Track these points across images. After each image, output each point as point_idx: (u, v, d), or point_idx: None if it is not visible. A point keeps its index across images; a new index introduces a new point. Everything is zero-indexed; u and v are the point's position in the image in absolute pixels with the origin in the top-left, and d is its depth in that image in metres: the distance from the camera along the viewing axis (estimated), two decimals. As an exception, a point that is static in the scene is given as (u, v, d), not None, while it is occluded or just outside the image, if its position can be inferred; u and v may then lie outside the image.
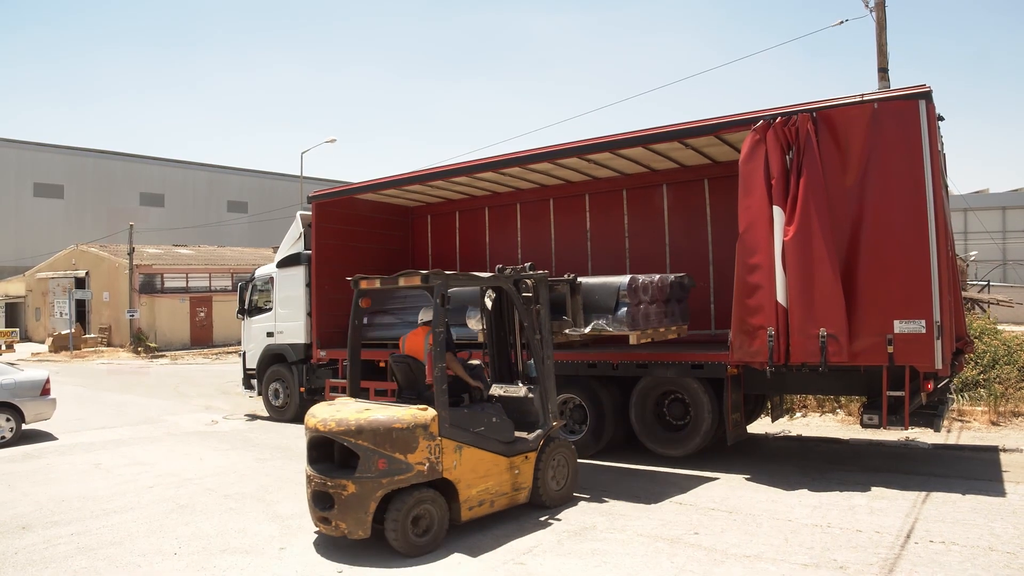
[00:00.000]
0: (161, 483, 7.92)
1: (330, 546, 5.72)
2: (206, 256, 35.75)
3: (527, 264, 7.30)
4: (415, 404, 5.85)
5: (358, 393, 6.58)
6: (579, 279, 7.59)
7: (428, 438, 5.60)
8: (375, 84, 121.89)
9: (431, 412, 5.69)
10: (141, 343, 29.95)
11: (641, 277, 8.06)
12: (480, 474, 5.95)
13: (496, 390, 6.92)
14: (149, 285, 31.73)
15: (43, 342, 33.14)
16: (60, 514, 6.78)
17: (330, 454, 5.80)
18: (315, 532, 5.95)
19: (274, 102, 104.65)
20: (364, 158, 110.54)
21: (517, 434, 6.42)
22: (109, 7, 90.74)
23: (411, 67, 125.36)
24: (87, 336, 32.06)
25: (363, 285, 6.54)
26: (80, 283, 33.96)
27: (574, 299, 7.54)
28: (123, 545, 5.85)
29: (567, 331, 7.52)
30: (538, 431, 6.56)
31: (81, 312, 33.56)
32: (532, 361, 6.98)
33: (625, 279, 7.85)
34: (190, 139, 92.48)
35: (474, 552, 5.52)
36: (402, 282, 6.19)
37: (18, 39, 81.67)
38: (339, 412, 5.71)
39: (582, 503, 6.74)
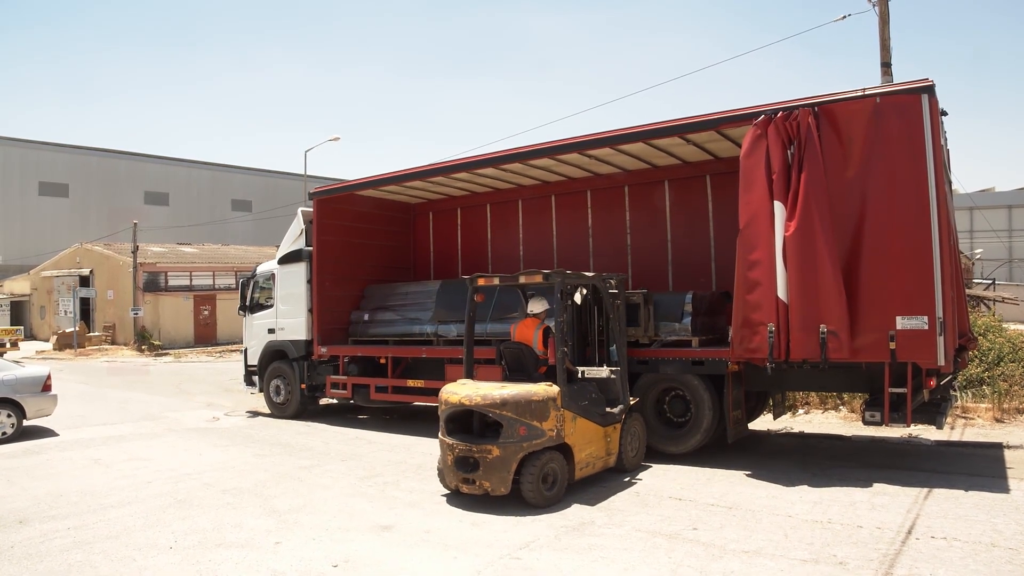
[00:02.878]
0: (159, 478, 7.91)
1: (326, 540, 5.69)
2: (210, 254, 35.82)
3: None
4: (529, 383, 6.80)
5: (472, 376, 7.57)
6: (651, 296, 8.68)
7: (555, 408, 6.60)
8: (378, 83, 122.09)
9: (556, 387, 6.69)
10: (145, 341, 30.01)
11: (699, 292, 9.03)
12: (587, 440, 6.97)
13: (581, 373, 7.52)
14: (153, 283, 31.80)
15: (48, 340, 33.24)
16: (58, 508, 6.77)
17: (466, 426, 6.76)
18: (443, 496, 6.83)
19: (278, 101, 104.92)
20: (367, 157, 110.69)
21: (606, 408, 7.37)
22: (114, 6, 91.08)
23: (414, 66, 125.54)
24: (91, 334, 32.14)
25: (481, 283, 7.54)
26: (84, 281, 34.06)
27: (647, 309, 8.58)
28: (119, 539, 5.83)
29: (640, 338, 8.52)
30: (620, 406, 7.48)
31: (85, 310, 33.65)
32: (614, 347, 7.85)
33: (689, 293, 8.84)
34: (194, 138, 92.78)
35: (469, 547, 5.48)
36: (523, 280, 7.33)
37: (23, 38, 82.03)
38: (479, 389, 6.71)
39: (582, 499, 6.70)
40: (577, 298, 8.15)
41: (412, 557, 5.32)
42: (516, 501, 6.46)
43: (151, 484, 7.66)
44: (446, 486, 6.82)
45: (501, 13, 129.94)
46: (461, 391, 6.76)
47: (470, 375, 7.58)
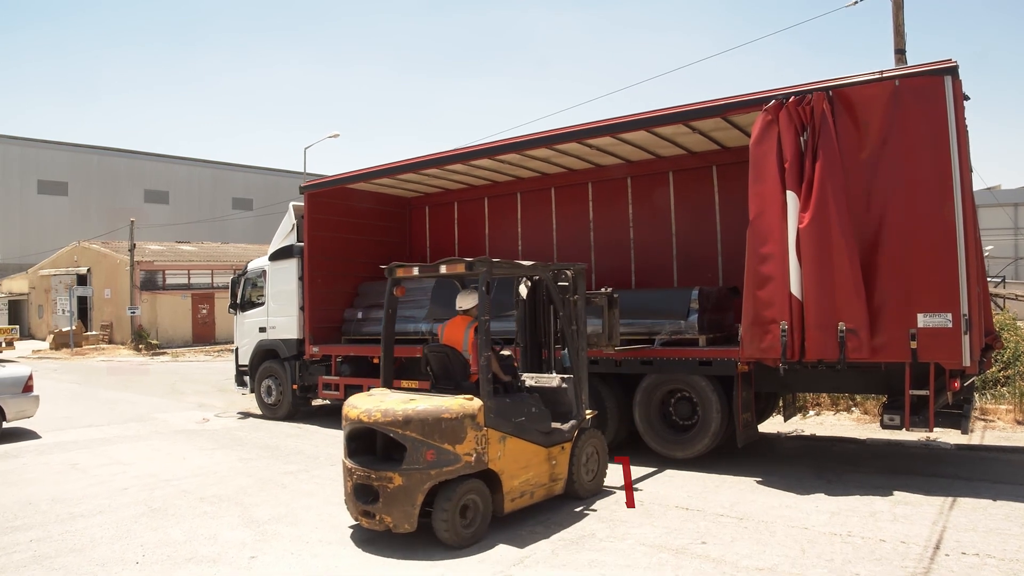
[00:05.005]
0: (137, 484, 7.50)
1: (304, 555, 5.27)
2: (208, 252, 35.47)
3: None
4: (454, 395, 5.71)
5: (391, 385, 6.46)
6: (616, 294, 7.54)
7: (475, 428, 5.48)
8: (378, 81, 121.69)
9: (477, 402, 5.56)
10: (142, 340, 29.66)
11: (706, 288, 8.44)
12: (522, 464, 5.87)
13: (528, 381, 6.77)
14: (151, 282, 31.45)
15: (45, 339, 32.92)
16: (24, 518, 6.36)
17: (371, 446, 5.67)
18: (349, 528, 5.78)
19: (279, 99, 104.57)
20: (368, 155, 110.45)
21: (552, 425, 6.31)
22: (114, 5, 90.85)
23: (414, 64, 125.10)
24: (88, 333, 31.83)
25: (399, 273, 6.38)
26: (82, 280, 33.75)
27: (611, 313, 7.51)
28: (83, 553, 5.42)
29: (603, 346, 7.57)
30: (572, 421, 6.45)
31: (83, 309, 33.34)
32: (566, 351, 6.91)
33: (695, 289, 8.24)
34: (194, 136, 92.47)
35: (459, 563, 5.06)
36: (444, 270, 6.10)
37: (22, 36, 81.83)
38: (383, 402, 5.55)
39: (582, 508, 6.27)
40: (523, 291, 7.31)
41: (398, 574, 4.90)
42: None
43: (127, 491, 7.25)
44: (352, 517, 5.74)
45: (499, 11, 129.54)
46: (362, 404, 5.65)
47: (388, 384, 6.44)
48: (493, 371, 6.03)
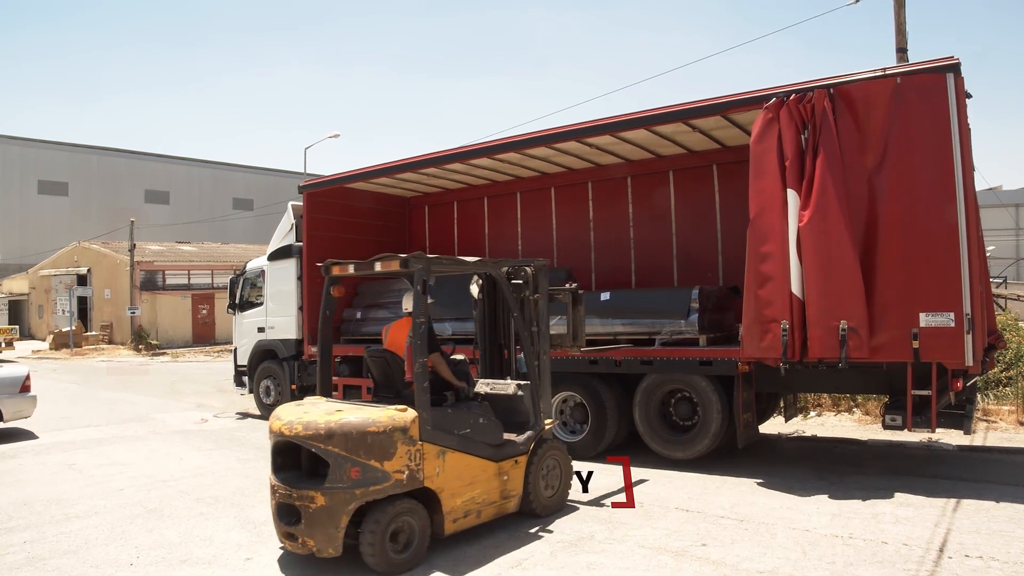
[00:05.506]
0: (133, 485, 7.45)
1: (300, 558, 5.22)
2: (208, 253, 35.44)
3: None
4: (393, 404, 5.22)
5: (329, 393, 5.98)
6: (581, 290, 7.03)
7: (407, 443, 4.95)
8: (378, 81, 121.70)
9: (411, 413, 5.04)
10: (142, 340, 29.64)
11: (706, 287, 8.29)
12: (466, 481, 5.34)
13: (482, 387, 6.30)
14: (151, 282, 31.43)
15: (45, 340, 32.90)
16: (18, 519, 6.31)
17: (298, 461, 5.16)
18: (280, 548, 5.36)
19: (279, 99, 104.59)
20: (368, 155, 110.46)
21: (506, 436, 5.81)
22: (114, 4, 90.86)
23: (414, 64, 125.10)
24: (88, 333, 31.80)
25: (335, 271, 5.92)
26: (82, 280, 33.73)
27: (576, 311, 6.97)
28: (77, 555, 5.37)
29: (567, 347, 7.06)
30: (528, 433, 5.94)
31: (83, 310, 33.32)
32: (522, 355, 6.43)
33: (695, 289, 8.10)
34: (195, 136, 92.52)
35: (458, 567, 5.00)
36: (379, 267, 5.57)
37: (22, 37, 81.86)
38: (307, 414, 5.05)
39: (581, 509, 6.21)
40: (474, 290, 6.92)
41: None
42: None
43: (123, 492, 7.20)
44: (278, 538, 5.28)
45: (499, 11, 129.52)
46: (285, 416, 5.17)
47: (325, 392, 5.96)
48: (444, 377, 5.71)
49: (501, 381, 6.37)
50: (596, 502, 6.42)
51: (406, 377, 5.64)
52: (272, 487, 5.10)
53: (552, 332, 6.69)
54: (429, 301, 5.46)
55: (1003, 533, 5.28)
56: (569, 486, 6.31)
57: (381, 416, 4.94)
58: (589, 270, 10.95)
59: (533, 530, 5.62)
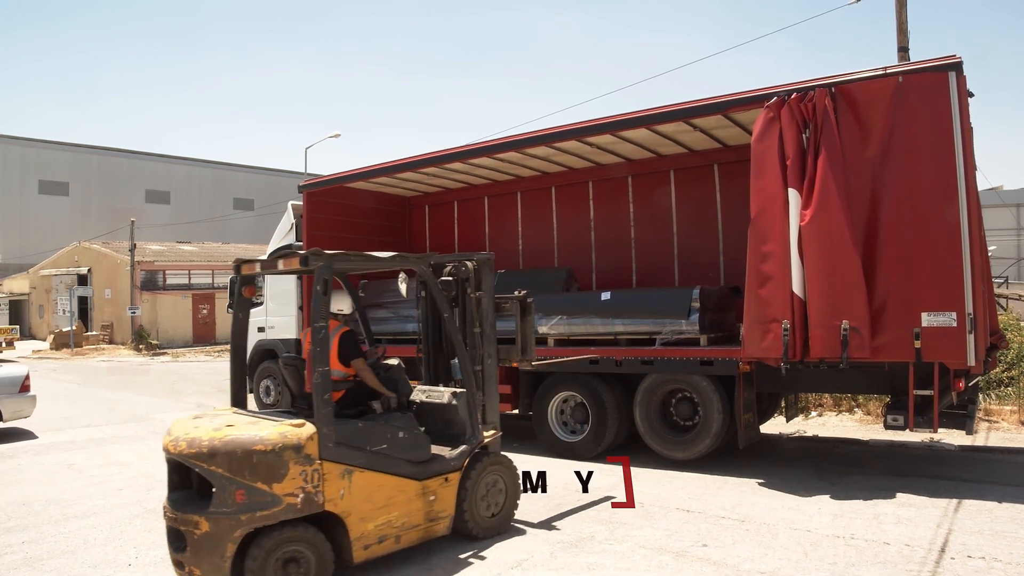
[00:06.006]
0: (132, 485, 7.43)
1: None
2: (209, 253, 35.43)
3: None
4: (307, 416, 4.79)
5: (242, 403, 5.52)
6: (530, 299, 6.31)
7: (303, 462, 4.45)
8: (378, 81, 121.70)
9: (308, 429, 4.53)
10: (143, 340, 29.63)
11: (707, 287, 8.20)
12: (379, 504, 4.81)
13: (419, 395, 5.79)
14: (151, 282, 31.42)
15: (46, 339, 32.90)
16: (17, 519, 6.30)
17: (190, 480, 4.67)
18: None
19: (280, 99, 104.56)
20: (368, 155, 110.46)
21: (438, 450, 5.32)
22: (114, 4, 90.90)
23: (414, 64, 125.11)
24: (88, 333, 31.79)
25: (244, 270, 5.46)
26: (83, 280, 33.72)
27: (524, 322, 6.24)
28: (75, 555, 5.35)
29: (516, 360, 6.39)
30: (463, 447, 5.39)
31: (84, 309, 33.31)
32: (456, 360, 5.87)
33: (696, 288, 7.99)
34: (196, 136, 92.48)
35: (454, 565, 4.98)
36: (281, 266, 5.13)
37: (23, 36, 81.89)
38: (196, 429, 4.58)
39: (582, 509, 6.19)
40: (402, 288, 6.49)
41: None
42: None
43: (122, 492, 7.18)
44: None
45: (499, 11, 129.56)
46: (176, 430, 4.71)
47: (238, 403, 5.50)
48: (370, 383, 5.32)
49: (438, 388, 5.86)
50: (596, 502, 6.39)
51: (305, 388, 5.24)
52: (164, 507, 4.63)
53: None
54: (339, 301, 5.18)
55: (1005, 534, 5.26)
56: (516, 505, 5.78)
57: (271, 433, 4.45)
58: (590, 269, 10.93)
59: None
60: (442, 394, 5.67)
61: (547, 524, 5.82)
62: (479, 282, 6.00)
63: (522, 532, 5.60)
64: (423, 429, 5.37)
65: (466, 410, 5.54)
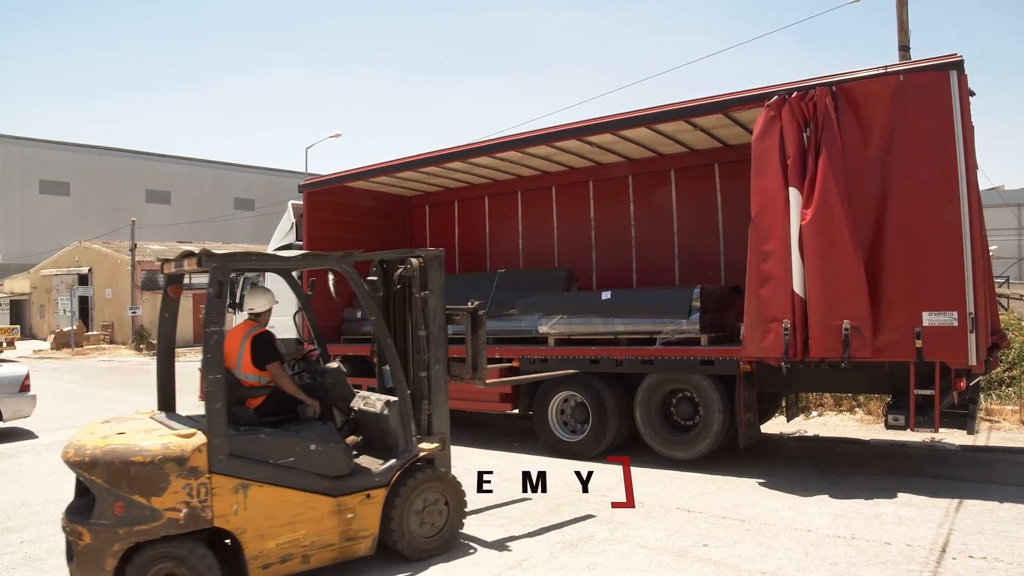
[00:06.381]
0: (132, 485, 7.42)
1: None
2: (210, 253, 35.40)
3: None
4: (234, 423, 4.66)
5: (170, 406, 5.20)
6: (482, 311, 5.82)
7: (187, 475, 4.22)
8: (379, 81, 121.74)
9: (196, 440, 4.29)
10: (143, 340, 29.64)
11: (708, 286, 8.17)
12: (282, 521, 4.52)
13: (358, 402, 5.47)
14: (152, 282, 31.42)
15: (47, 339, 32.93)
16: (16, 519, 6.29)
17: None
18: None
19: (280, 99, 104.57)
20: (369, 154, 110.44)
21: (372, 463, 5.01)
22: (114, 4, 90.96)
23: (414, 64, 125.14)
24: (89, 333, 31.81)
25: (166, 270, 5.22)
26: (83, 280, 33.75)
27: (475, 337, 5.75)
28: (75, 555, 5.34)
29: (467, 378, 5.86)
30: (392, 461, 4.98)
31: (84, 309, 33.34)
32: (388, 367, 5.38)
33: (696, 288, 7.96)
34: (196, 136, 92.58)
35: (452, 565, 4.97)
36: (185, 265, 4.88)
37: (23, 36, 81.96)
38: (90, 435, 4.40)
39: (582, 510, 6.18)
40: (333, 291, 6.19)
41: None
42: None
43: (122, 492, 7.16)
44: None
45: (499, 11, 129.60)
46: (76, 435, 4.50)
47: (166, 406, 5.19)
48: (288, 390, 5.04)
49: (376, 396, 5.42)
50: (596, 502, 6.38)
51: (198, 397, 5.09)
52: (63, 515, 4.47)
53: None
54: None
55: (1007, 534, 5.24)
56: (460, 524, 5.34)
57: (153, 444, 4.23)
58: (590, 269, 10.91)
59: (532, 530, 5.48)
60: (375, 403, 5.30)
61: (547, 523, 5.80)
62: (425, 281, 5.53)
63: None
64: (359, 439, 5.19)
65: (398, 421, 5.09)
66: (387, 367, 5.45)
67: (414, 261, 5.57)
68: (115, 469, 4.13)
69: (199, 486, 4.26)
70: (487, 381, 5.97)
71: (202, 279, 24.42)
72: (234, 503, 4.37)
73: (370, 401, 5.35)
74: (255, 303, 5.33)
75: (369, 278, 5.89)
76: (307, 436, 4.73)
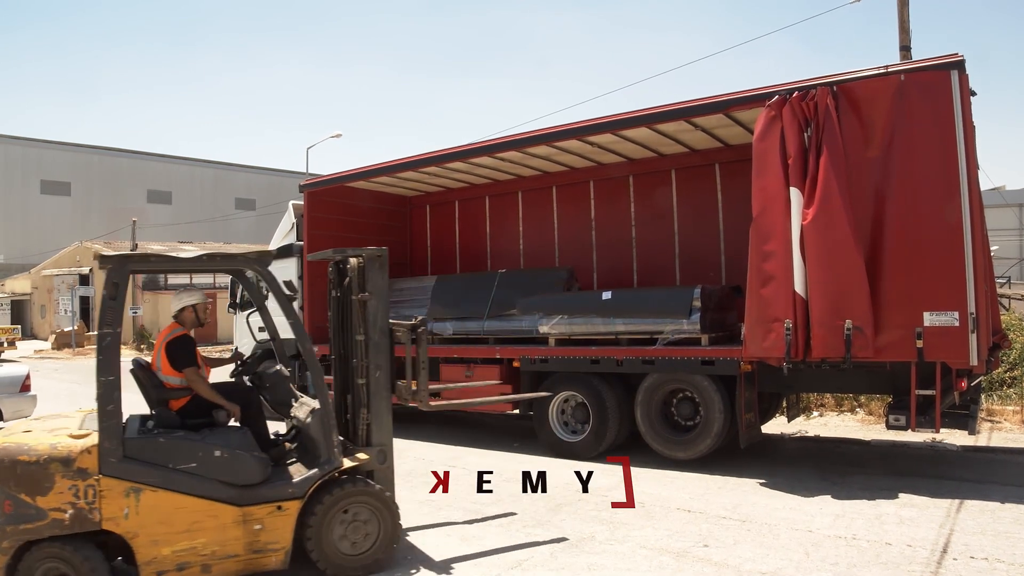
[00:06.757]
0: (132, 485, 7.41)
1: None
2: (210, 253, 35.43)
3: None
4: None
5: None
6: (422, 328, 5.42)
7: (74, 476, 4.22)
8: (379, 81, 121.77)
9: (86, 441, 4.28)
10: (144, 340, 29.65)
11: (708, 287, 8.15)
12: (178, 528, 4.40)
13: (296, 409, 5.31)
14: (152, 282, 31.47)
15: (48, 339, 32.95)
16: None
17: None
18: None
19: (281, 100, 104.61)
20: (369, 155, 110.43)
21: (296, 472, 4.81)
22: (114, 4, 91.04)
23: (415, 65, 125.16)
24: (90, 333, 31.77)
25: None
26: (84, 280, 33.75)
27: (416, 356, 5.37)
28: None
29: (408, 400, 5.52)
30: (312, 471, 4.74)
31: (85, 309, 33.34)
32: (310, 372, 5.05)
33: (697, 288, 7.93)
34: (197, 136, 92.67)
35: (454, 566, 4.96)
36: (99, 265, 4.81)
37: (23, 37, 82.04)
38: (5, 432, 4.52)
39: (582, 510, 6.17)
40: (280, 287, 6.08)
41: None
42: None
43: (122, 492, 7.16)
44: None
45: (499, 11, 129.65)
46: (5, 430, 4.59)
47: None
48: (204, 394, 4.93)
49: (306, 403, 5.18)
50: (597, 502, 6.37)
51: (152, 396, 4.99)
52: None
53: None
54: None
55: (1008, 534, 5.23)
56: (392, 545, 4.95)
57: (40, 444, 4.28)
58: (591, 269, 10.91)
59: (533, 530, 5.47)
60: (300, 408, 5.13)
61: (548, 523, 5.80)
62: (364, 282, 5.22)
63: (523, 533, 5.49)
64: (293, 447, 5.06)
65: (319, 430, 4.81)
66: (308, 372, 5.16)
67: (353, 261, 5.29)
68: (4, 467, 4.20)
69: (87, 488, 4.25)
70: (431, 404, 5.57)
71: (203, 279, 24.42)
72: (125, 507, 4.32)
73: (303, 409, 5.14)
74: (176, 303, 5.24)
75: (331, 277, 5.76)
76: (213, 442, 4.58)
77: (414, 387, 5.41)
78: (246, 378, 5.63)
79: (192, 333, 5.22)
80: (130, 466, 4.34)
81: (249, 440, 4.75)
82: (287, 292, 5.08)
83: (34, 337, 36.55)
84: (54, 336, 31.03)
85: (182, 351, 4.98)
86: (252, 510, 4.56)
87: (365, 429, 5.13)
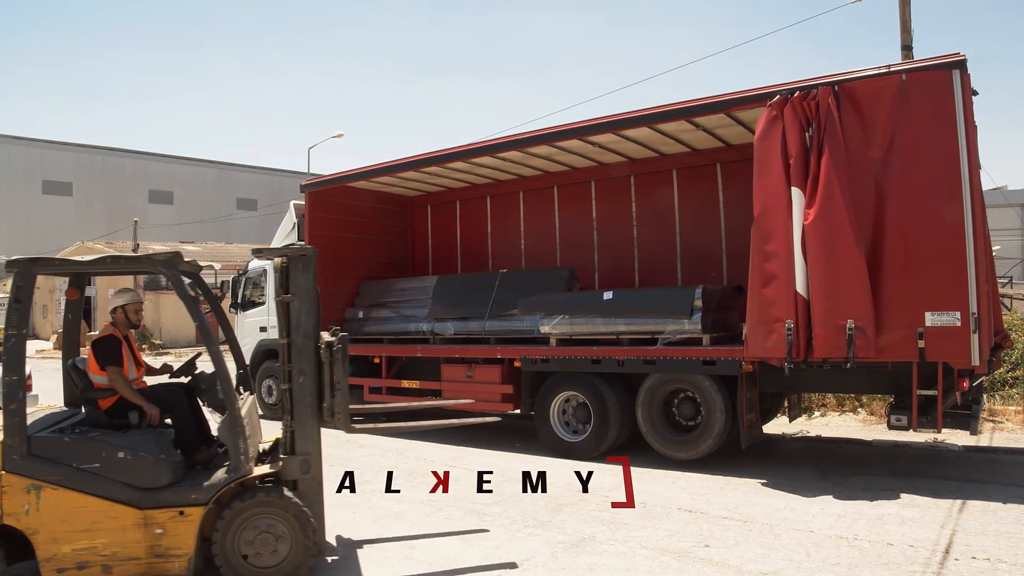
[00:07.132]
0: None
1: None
2: (212, 253, 35.45)
3: None
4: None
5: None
6: (340, 344, 4.98)
7: None
8: (381, 82, 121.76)
9: None
10: (146, 340, 29.66)
11: (710, 286, 8.16)
12: (79, 527, 4.42)
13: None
14: (154, 282, 31.40)
15: (49, 339, 32.99)
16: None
17: None
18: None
19: (283, 100, 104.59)
20: (371, 155, 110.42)
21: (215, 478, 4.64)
22: (118, 5, 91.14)
23: (416, 65, 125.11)
24: (91, 333, 31.81)
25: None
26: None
27: (332, 373, 4.96)
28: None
29: (329, 422, 5.03)
30: (219, 476, 4.58)
31: (87, 309, 33.36)
32: (217, 375, 4.86)
33: (699, 288, 7.94)
34: (199, 137, 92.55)
35: (453, 566, 4.96)
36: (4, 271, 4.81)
37: (27, 37, 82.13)
38: None
39: (582, 510, 6.16)
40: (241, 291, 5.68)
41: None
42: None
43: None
44: None
45: (501, 13, 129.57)
46: None
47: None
48: (125, 395, 4.86)
49: (224, 403, 4.88)
50: (597, 502, 6.37)
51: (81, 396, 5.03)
52: None
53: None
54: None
55: (1010, 534, 5.22)
56: (309, 558, 4.63)
57: None
58: (592, 269, 10.91)
59: (533, 530, 5.51)
60: (214, 414, 5.00)
61: (548, 524, 5.79)
62: (287, 283, 4.96)
63: (524, 532, 5.51)
64: (221, 451, 4.93)
65: (228, 436, 4.63)
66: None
67: (276, 260, 5.04)
68: None
69: None
70: (354, 428, 5.17)
71: (205, 279, 24.24)
72: (25, 503, 4.38)
73: (220, 419, 4.89)
74: (114, 301, 5.20)
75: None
76: (118, 443, 4.54)
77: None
78: (184, 379, 5.47)
79: (133, 333, 5.27)
80: (33, 463, 4.40)
81: (163, 443, 4.68)
82: (216, 295, 5.13)
83: (35, 337, 36.57)
84: (56, 336, 31.05)
85: (105, 350, 4.96)
86: (153, 513, 4.51)
87: (289, 437, 4.88)
